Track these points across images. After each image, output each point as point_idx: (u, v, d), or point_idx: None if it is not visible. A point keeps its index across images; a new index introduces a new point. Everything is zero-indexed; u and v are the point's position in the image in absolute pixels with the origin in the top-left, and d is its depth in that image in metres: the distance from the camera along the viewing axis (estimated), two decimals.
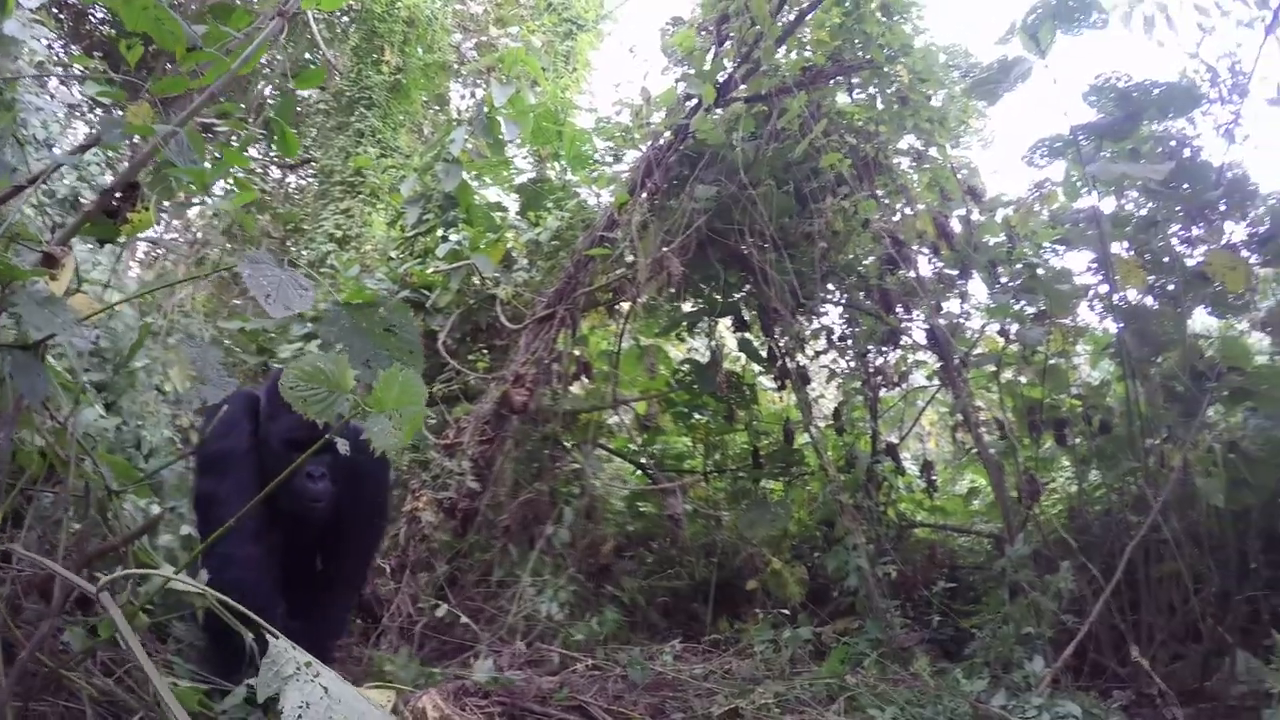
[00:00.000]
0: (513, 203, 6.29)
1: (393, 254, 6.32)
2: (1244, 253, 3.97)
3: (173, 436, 4.75)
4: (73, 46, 10.79)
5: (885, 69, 4.91)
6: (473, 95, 10.83)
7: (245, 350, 5.93)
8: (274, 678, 1.14)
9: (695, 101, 4.79)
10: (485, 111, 5.71)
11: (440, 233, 5.81)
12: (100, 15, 11.43)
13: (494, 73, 6.41)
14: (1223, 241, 4.07)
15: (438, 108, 11.30)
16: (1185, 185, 4.03)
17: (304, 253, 8.78)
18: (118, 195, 1.73)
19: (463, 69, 11.05)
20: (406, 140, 10.16)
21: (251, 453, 2.43)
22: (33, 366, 1.47)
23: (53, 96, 3.97)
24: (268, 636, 1.25)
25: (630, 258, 4.85)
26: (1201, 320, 4.49)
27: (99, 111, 9.06)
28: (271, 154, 11.27)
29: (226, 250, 8.73)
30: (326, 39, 10.15)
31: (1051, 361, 4.45)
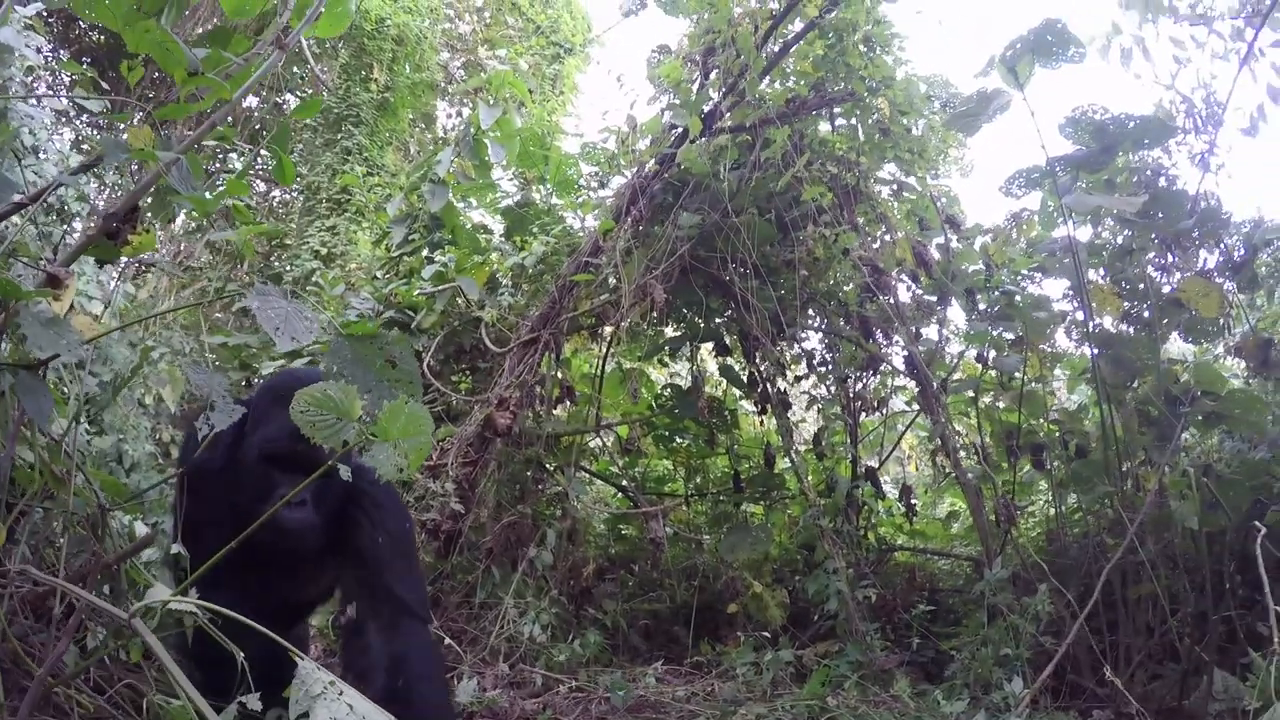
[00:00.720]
0: (498, 225, 6.33)
1: (378, 274, 6.33)
2: (1217, 279, 4.03)
3: (154, 451, 4.72)
4: (62, 51, 10.74)
5: (867, 100, 5.01)
6: (459, 115, 10.89)
7: (228, 366, 5.92)
8: (303, 697, 1.16)
9: (681, 131, 4.86)
10: (472, 133, 5.76)
11: (426, 253, 5.83)
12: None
13: (481, 94, 6.46)
14: (1197, 268, 4.16)
15: (424, 126, 11.36)
16: (1160, 214, 4.10)
17: (288, 269, 8.76)
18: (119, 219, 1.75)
19: (450, 89, 11.12)
20: (393, 159, 10.20)
21: (228, 468, 2.18)
22: (38, 387, 1.48)
23: (39, 101, 3.95)
24: (296, 659, 1.27)
25: (614, 283, 4.90)
26: (1176, 346, 4.59)
27: (86, 118, 9.02)
28: (256, 167, 11.25)
29: (210, 264, 8.70)
30: (315, 54, 10.19)
31: (1029, 387, 4.52)
